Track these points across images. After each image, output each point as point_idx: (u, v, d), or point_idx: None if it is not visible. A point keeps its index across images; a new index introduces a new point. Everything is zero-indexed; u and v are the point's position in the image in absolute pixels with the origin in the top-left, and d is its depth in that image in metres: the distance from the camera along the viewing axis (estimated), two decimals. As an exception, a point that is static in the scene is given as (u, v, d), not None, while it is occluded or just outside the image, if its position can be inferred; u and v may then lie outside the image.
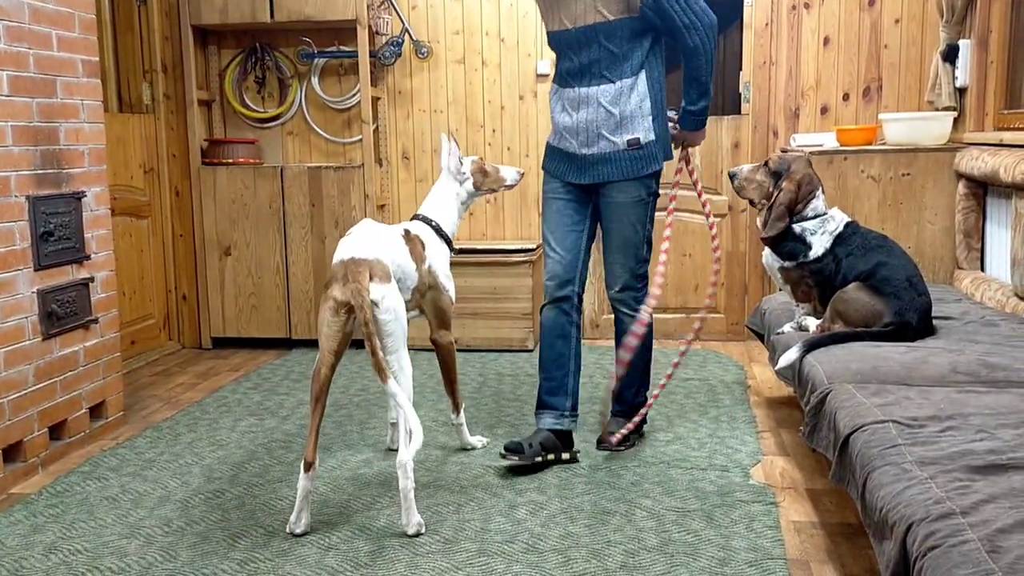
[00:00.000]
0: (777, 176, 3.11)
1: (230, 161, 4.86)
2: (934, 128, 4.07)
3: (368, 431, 3.46)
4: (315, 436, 2.55)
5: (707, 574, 2.26)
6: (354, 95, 4.94)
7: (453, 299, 3.04)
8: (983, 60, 3.96)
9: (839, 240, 3.05)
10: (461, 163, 3.06)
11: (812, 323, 3.07)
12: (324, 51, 4.93)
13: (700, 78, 2.85)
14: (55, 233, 3.14)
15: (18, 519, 2.68)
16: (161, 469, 3.08)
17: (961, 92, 4.16)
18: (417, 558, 2.37)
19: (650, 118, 2.90)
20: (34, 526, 2.62)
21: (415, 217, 3.05)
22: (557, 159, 3.05)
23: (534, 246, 4.73)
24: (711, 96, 2.91)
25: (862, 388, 2.36)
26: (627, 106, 2.86)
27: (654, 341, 3.23)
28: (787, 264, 3.12)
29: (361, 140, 4.85)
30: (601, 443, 3.09)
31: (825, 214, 3.07)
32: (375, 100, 4.91)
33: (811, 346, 2.77)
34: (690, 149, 3.10)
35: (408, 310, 2.79)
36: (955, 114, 4.14)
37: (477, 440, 3.20)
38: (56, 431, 3.18)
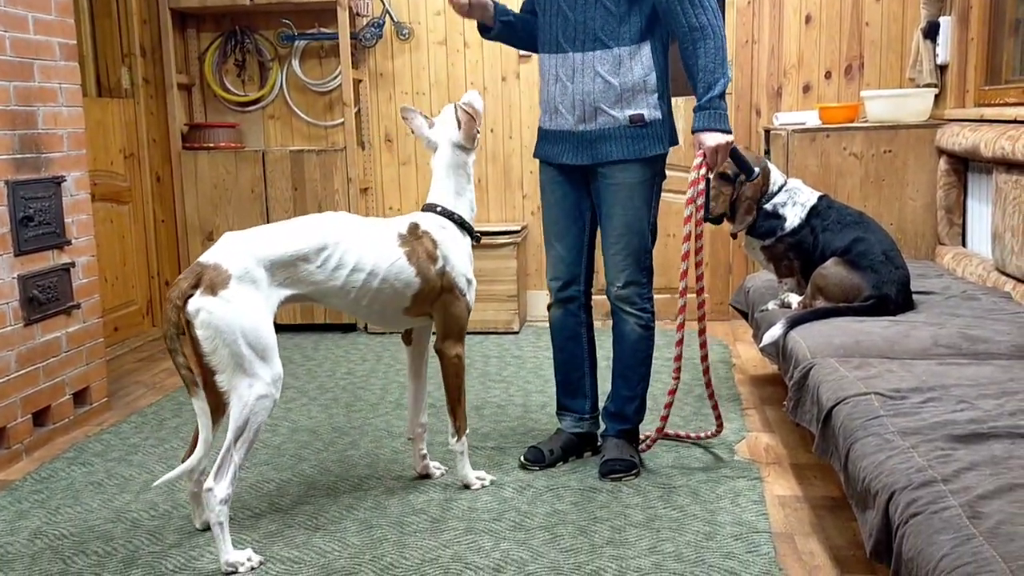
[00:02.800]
0: (735, 178, 3.09)
1: (211, 146, 4.83)
2: (915, 105, 4.09)
3: (354, 413, 3.45)
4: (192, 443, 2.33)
5: (693, 548, 2.27)
6: (335, 78, 4.90)
7: (471, 305, 2.64)
8: (964, 37, 3.97)
9: (814, 213, 3.07)
10: (477, 130, 2.65)
11: (794, 299, 3.08)
12: (304, 33, 4.89)
13: (709, 65, 2.47)
14: (35, 218, 3.11)
15: (3, 505, 2.67)
16: (146, 454, 3.07)
17: (942, 69, 4.18)
18: (405, 537, 2.38)
19: (655, 95, 2.59)
20: (19, 512, 2.61)
21: (428, 208, 2.61)
22: (551, 141, 2.72)
23: (518, 228, 4.72)
24: (725, 86, 2.50)
25: (845, 362, 2.38)
26: (628, 77, 2.55)
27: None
28: (767, 242, 3.14)
29: (343, 123, 4.82)
30: (608, 474, 2.73)
31: (785, 182, 3.10)
32: (357, 82, 4.88)
33: (794, 322, 2.78)
34: (707, 163, 2.56)
35: (410, 316, 2.57)
36: (936, 91, 4.16)
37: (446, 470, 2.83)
38: (40, 417, 3.16)
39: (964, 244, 3.90)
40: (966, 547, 1.33)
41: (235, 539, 2.38)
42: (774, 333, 2.81)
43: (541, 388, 3.70)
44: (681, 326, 2.73)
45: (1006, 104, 3.54)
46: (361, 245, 2.43)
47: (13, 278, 3.01)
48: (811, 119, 4.25)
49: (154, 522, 2.53)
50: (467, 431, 2.69)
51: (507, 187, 4.96)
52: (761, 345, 2.95)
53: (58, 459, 3.02)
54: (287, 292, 2.32)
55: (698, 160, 2.57)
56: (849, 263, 2.96)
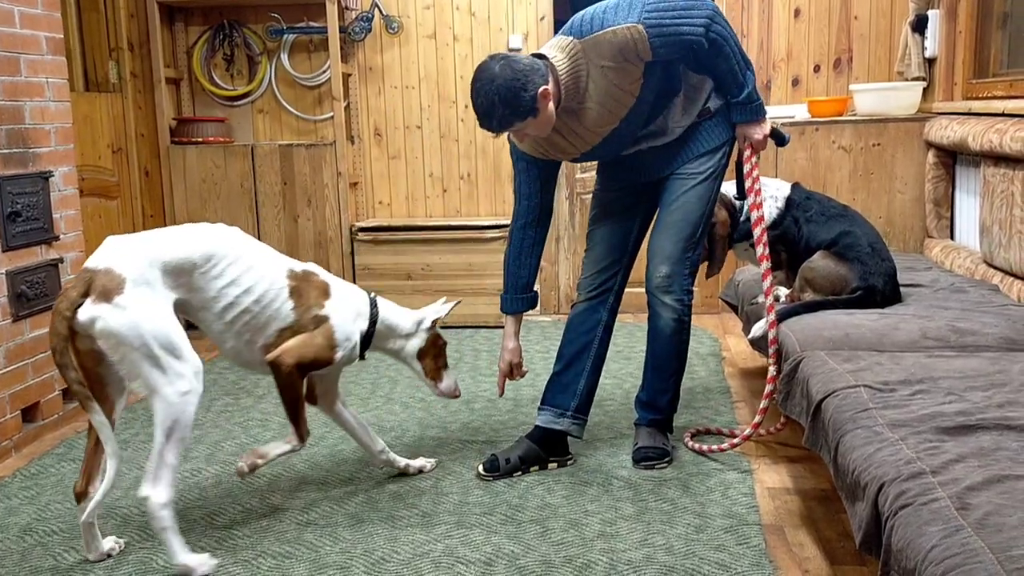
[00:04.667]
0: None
1: (200, 140, 4.81)
2: (904, 98, 4.10)
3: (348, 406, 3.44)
4: (86, 463, 2.27)
5: (683, 541, 2.28)
6: (324, 71, 4.89)
7: (335, 359, 2.47)
8: (952, 30, 3.98)
9: (792, 204, 3.07)
10: (431, 327, 2.67)
11: (783, 292, 3.09)
12: (293, 27, 4.87)
13: (734, 68, 2.51)
14: (22, 213, 3.09)
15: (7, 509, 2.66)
16: (137, 450, 3.06)
17: (930, 62, 4.19)
18: (396, 531, 2.38)
19: (712, 85, 2.60)
20: (8, 508, 2.60)
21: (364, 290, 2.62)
22: (622, 175, 2.76)
23: (509, 222, 4.71)
24: (754, 78, 2.59)
25: (834, 355, 2.39)
26: (684, 118, 2.62)
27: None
28: (752, 241, 3.14)
29: (332, 117, 4.81)
30: (640, 461, 2.75)
31: None
32: (346, 76, 4.86)
33: (784, 315, 2.79)
34: (754, 157, 2.67)
35: (262, 345, 2.39)
36: (924, 84, 4.17)
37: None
38: (29, 414, 3.15)
39: (952, 237, 3.92)
40: (955, 538, 1.34)
41: (225, 535, 2.38)
42: (764, 326, 2.81)
43: (531, 382, 3.70)
44: (771, 309, 2.70)
45: (994, 97, 3.55)
46: (247, 262, 2.33)
47: (1, 274, 2.99)
48: (800, 112, 4.26)
49: (144, 518, 2.51)
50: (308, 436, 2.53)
51: (496, 180, 4.96)
52: (751, 337, 2.95)
53: (47, 455, 3.01)
54: (174, 297, 2.21)
55: (747, 152, 2.67)
56: (836, 256, 2.97)
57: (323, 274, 2.53)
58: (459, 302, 2.77)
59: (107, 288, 2.07)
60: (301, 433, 2.48)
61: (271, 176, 4.73)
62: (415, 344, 2.66)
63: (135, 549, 2.33)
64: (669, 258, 2.66)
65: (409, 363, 2.69)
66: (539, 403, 2.83)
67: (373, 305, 2.58)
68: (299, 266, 2.48)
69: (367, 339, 2.57)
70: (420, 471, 2.77)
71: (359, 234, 4.70)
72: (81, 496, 2.24)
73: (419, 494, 2.62)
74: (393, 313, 2.63)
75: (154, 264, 2.15)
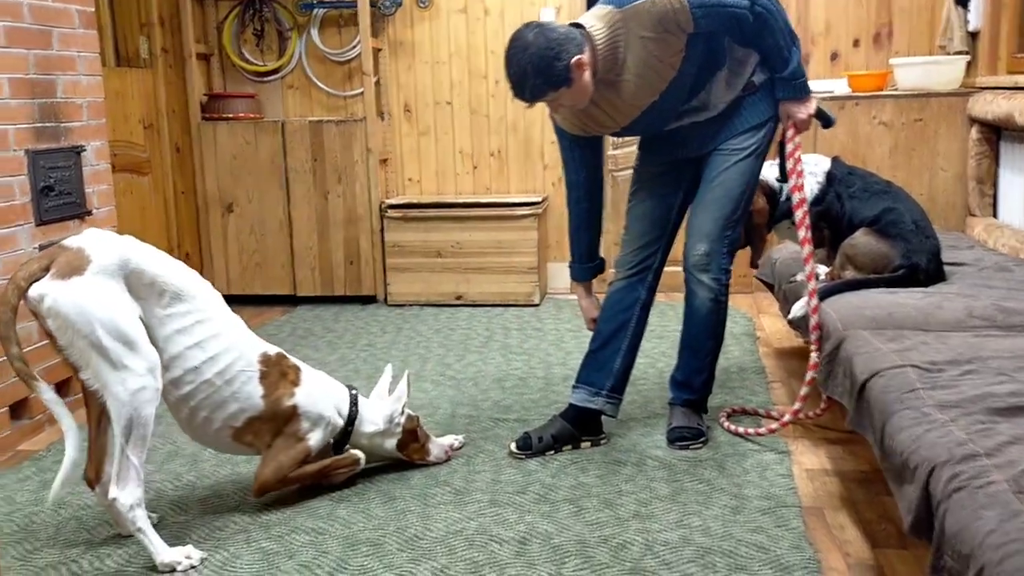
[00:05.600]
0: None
1: (230, 116, 4.79)
2: (946, 73, 3.99)
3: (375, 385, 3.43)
4: (91, 448, 2.22)
5: (720, 522, 2.24)
6: (354, 47, 4.85)
7: (312, 449, 2.37)
8: (996, 3, 3.87)
9: (833, 180, 3.00)
10: (402, 414, 2.54)
11: (822, 270, 3.02)
12: (323, 2, 4.83)
13: (780, 42, 2.43)
14: (55, 188, 3.09)
15: (27, 475, 2.67)
16: (170, 424, 3.04)
17: (973, 36, 4.08)
18: (428, 509, 2.36)
19: (753, 65, 2.52)
20: (43, 482, 2.61)
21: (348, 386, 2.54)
22: (664, 149, 2.70)
23: (539, 199, 4.67)
24: (799, 55, 2.49)
25: (878, 334, 2.33)
26: (728, 93, 2.54)
27: (656, 296, 2.84)
28: (794, 217, 3.07)
29: (362, 93, 4.77)
30: (675, 441, 2.71)
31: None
32: (376, 52, 4.82)
33: (824, 294, 2.73)
34: (797, 136, 2.59)
35: (236, 441, 2.32)
36: (967, 58, 4.06)
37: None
38: (62, 388, 3.16)
39: (995, 215, 3.83)
40: (1013, 523, 1.29)
41: (258, 511, 2.37)
42: (803, 306, 2.76)
43: (562, 360, 3.67)
44: (813, 294, 2.62)
45: (1042, 71, 3.45)
46: (216, 327, 2.22)
47: (34, 248, 2.99)
48: (839, 87, 4.16)
49: (178, 492, 2.52)
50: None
51: (527, 158, 4.91)
52: (790, 317, 2.90)
53: (82, 429, 3.01)
54: (138, 311, 2.09)
55: (790, 132, 2.59)
56: (878, 233, 2.89)
57: (293, 360, 2.44)
58: (408, 375, 2.63)
59: (69, 266, 1.99)
60: (344, 469, 2.47)
61: (301, 152, 4.71)
62: (392, 442, 2.55)
63: (168, 524, 2.33)
64: (708, 236, 2.61)
65: (391, 457, 2.58)
66: (573, 381, 2.79)
67: (354, 403, 2.48)
68: (272, 350, 2.39)
69: (343, 437, 2.47)
70: (450, 448, 2.75)
71: (389, 211, 4.68)
72: (92, 482, 2.22)
73: (451, 472, 2.59)
74: (369, 412, 2.52)
75: (127, 264, 2.05)
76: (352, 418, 2.47)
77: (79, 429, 2.07)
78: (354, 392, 2.52)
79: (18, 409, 2.95)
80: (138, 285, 2.09)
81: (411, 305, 4.71)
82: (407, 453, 2.59)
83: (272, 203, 4.76)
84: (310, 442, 2.38)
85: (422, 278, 4.68)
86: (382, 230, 4.70)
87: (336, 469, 2.45)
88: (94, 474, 2.21)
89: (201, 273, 4.98)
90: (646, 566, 2.05)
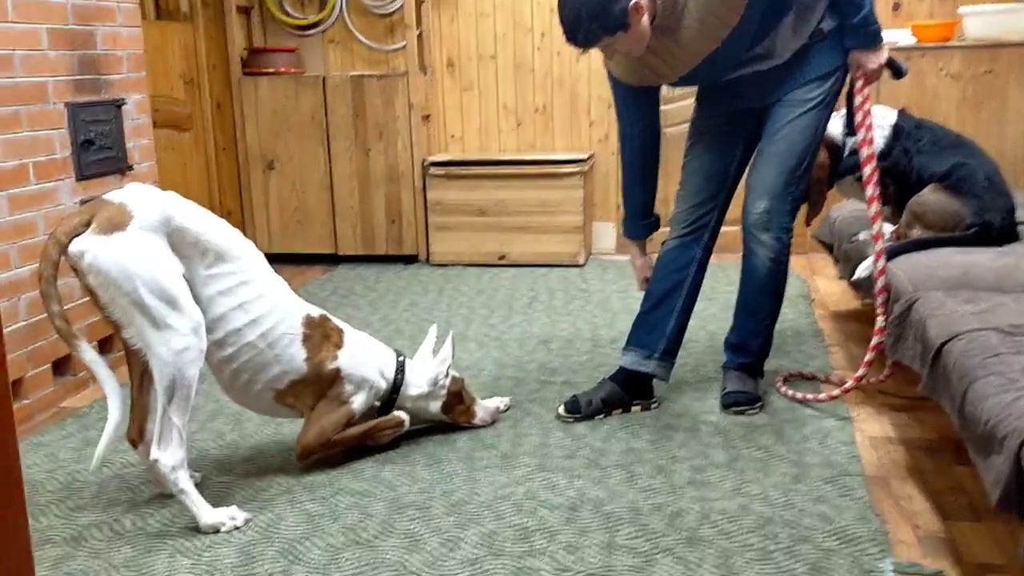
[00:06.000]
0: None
1: (271, 71, 4.71)
2: (1019, 22, 3.78)
3: (418, 345, 3.36)
4: (133, 408, 2.17)
5: (780, 491, 2.14)
6: (396, -1, 4.73)
7: (355, 412, 2.31)
8: (1077, -54, 3.64)
9: (900, 133, 2.84)
10: (446, 376, 2.47)
11: (888, 229, 2.88)
12: (365, -47, 4.71)
13: None
14: (96, 142, 3.03)
15: (70, 432, 2.64)
16: (213, 383, 3.00)
17: (1049, -18, 3.85)
18: (475, 473, 2.29)
19: (821, 10, 2.37)
20: (86, 439, 2.58)
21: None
22: (724, 99, 2.56)
23: (585, 156, 4.54)
24: (872, 1, 2.36)
25: (952, 296, 2.20)
26: (794, 40, 2.39)
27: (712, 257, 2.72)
28: (860, 173, 2.92)
29: (404, 47, 4.65)
30: (730, 406, 2.61)
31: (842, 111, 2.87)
32: (418, 4, 4.69)
33: (891, 254, 2.59)
34: (866, 87, 2.46)
35: (278, 403, 2.27)
36: (1042, 6, 3.84)
37: None
38: (105, 345, 3.13)
39: (1069, 173, 3.63)
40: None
41: (302, 472, 2.32)
42: (869, 265, 2.62)
43: (609, 322, 3.57)
44: (880, 253, 2.50)
45: None
46: (259, 289, 2.15)
47: (75, 203, 2.95)
48: (904, 38, 3.96)
49: (221, 452, 2.48)
50: None
51: (573, 113, 4.76)
52: (854, 278, 2.76)
53: (124, 386, 2.98)
54: (181, 270, 2.03)
55: (859, 83, 2.45)
56: (949, 189, 2.74)
57: (336, 322, 2.37)
58: (453, 336, 2.57)
59: (111, 222, 1.93)
60: (389, 431, 2.40)
61: (342, 108, 4.61)
62: (437, 405, 2.48)
63: (212, 484, 2.29)
64: (769, 192, 2.48)
65: (436, 419, 2.52)
66: (624, 343, 2.69)
67: (400, 370, 2.41)
68: (316, 312, 2.32)
69: (388, 403, 2.41)
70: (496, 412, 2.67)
71: (431, 168, 4.58)
72: (135, 442, 2.18)
73: (498, 435, 2.52)
74: (414, 376, 2.44)
75: (169, 222, 1.99)
76: (398, 385, 2.41)
77: (121, 390, 2.02)
78: (401, 359, 2.45)
79: (61, 366, 2.93)
80: (181, 243, 2.02)
81: (453, 265, 4.62)
82: (452, 416, 2.52)
83: (313, 160, 4.69)
84: (353, 405, 2.31)
85: (465, 237, 4.59)
86: (424, 188, 4.61)
87: (380, 431, 2.38)
88: (137, 433, 2.16)
89: (243, 232, 4.96)
90: (703, 535, 1.96)
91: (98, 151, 3.05)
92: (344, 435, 2.30)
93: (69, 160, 2.92)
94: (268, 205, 4.77)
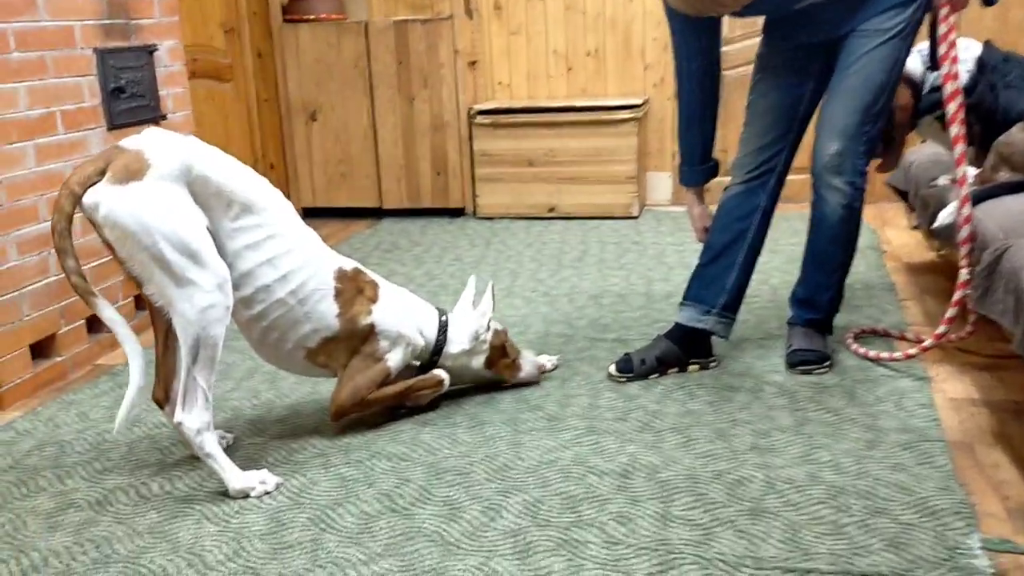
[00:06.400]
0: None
1: (312, 18, 4.55)
2: (1119, -54, 3.44)
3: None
4: (158, 368, 2.06)
5: (853, 458, 1.96)
6: (441, -60, 4.51)
7: (391, 370, 2.18)
8: None
9: (985, 67, 2.59)
10: (487, 329, 2.33)
11: (971, 172, 2.63)
12: None
13: None
14: (127, 90, 2.92)
15: (103, 390, 2.56)
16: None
17: None
18: (519, 436, 2.14)
19: None
20: (119, 398, 2.48)
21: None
22: (793, 30, 2.34)
23: (639, 101, 4.31)
24: None
25: (1049, 243, 1.97)
26: None
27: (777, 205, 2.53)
28: (941, 112, 2.67)
29: (449, -10, 4.45)
30: (796, 365, 2.42)
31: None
32: (464, -56, 4.48)
33: (977, 199, 2.36)
34: (953, 16, 2.22)
35: (310, 362, 2.14)
36: None
37: None
38: (141, 301, 3.05)
39: None
40: None
41: (338, 433, 2.20)
42: (952, 211, 2.39)
43: (664, 276, 3.39)
44: (966, 199, 2.27)
45: None
46: (288, 243, 2.01)
47: (106, 154, 2.84)
48: (987, -34, 3.64)
49: (255, 412, 2.38)
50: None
51: (627, 57, 4.52)
52: (935, 226, 2.53)
53: (148, 351, 2.90)
54: (205, 221, 1.89)
55: (944, 11, 2.21)
56: (1042, 128, 2.49)
57: (371, 275, 2.23)
58: (492, 286, 2.39)
59: (127, 170, 1.78)
60: (428, 391, 2.26)
61: (385, 55, 4.44)
62: (479, 360, 2.34)
63: (244, 445, 2.18)
64: (843, 132, 2.26)
65: (480, 376, 2.38)
66: (681, 298, 2.51)
67: (443, 330, 2.27)
68: (349, 265, 2.18)
69: (430, 364, 2.28)
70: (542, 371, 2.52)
71: (477, 117, 4.40)
72: (161, 403, 2.07)
73: (544, 396, 2.37)
74: (455, 333, 2.30)
75: (190, 171, 1.84)
76: (440, 346, 2.27)
77: (145, 351, 1.90)
78: (444, 318, 2.30)
79: (96, 323, 2.85)
80: (204, 193, 1.88)
81: (501, 218, 4.46)
82: (496, 370, 2.37)
83: (356, 110, 4.54)
84: (389, 363, 2.18)
85: (513, 189, 4.42)
86: (470, 138, 4.43)
87: (418, 391, 2.25)
88: (162, 394, 2.06)
89: (286, 186, 4.86)
90: (768, 506, 1.79)
91: (129, 99, 2.93)
92: (379, 394, 2.17)
93: (99, 108, 2.81)
94: (311, 157, 4.64)
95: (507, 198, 4.43)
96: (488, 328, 2.33)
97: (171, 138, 1.88)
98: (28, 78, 2.54)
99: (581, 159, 4.32)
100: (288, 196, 4.69)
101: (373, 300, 2.17)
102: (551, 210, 4.41)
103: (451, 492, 1.90)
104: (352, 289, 2.15)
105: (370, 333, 2.15)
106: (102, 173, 1.80)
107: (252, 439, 2.21)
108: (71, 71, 2.70)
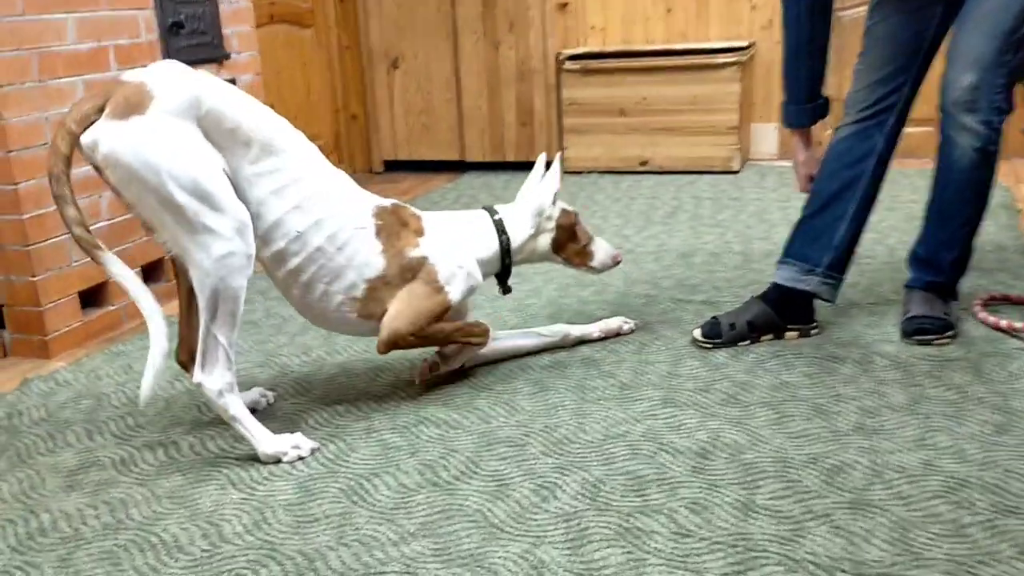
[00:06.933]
0: None
1: (395, -40, 4.33)
2: None
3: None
4: (181, 328, 1.87)
5: (978, 444, 1.64)
6: None
7: (451, 302, 1.94)
8: None
9: None
10: (554, 206, 2.10)
11: None
12: None
13: None
14: (186, 25, 2.76)
15: (147, 345, 2.43)
16: (309, 293, 2.75)
17: None
18: (586, 405, 1.90)
19: None
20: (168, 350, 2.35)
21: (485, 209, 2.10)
22: None
23: (744, 44, 3.94)
24: None
25: None
26: None
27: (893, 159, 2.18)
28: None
29: (539, -74, 4.16)
30: (913, 334, 2.10)
31: None
32: None
33: None
34: None
35: (362, 318, 1.91)
36: None
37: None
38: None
39: None
40: None
41: (386, 392, 2.00)
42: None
43: (765, 234, 3.06)
44: None
45: None
46: (317, 186, 1.79)
47: (164, 94, 2.70)
48: None
49: (303, 369, 2.20)
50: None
51: (731, -3, 4.15)
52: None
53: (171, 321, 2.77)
54: (221, 163, 1.69)
55: None
56: None
57: (413, 209, 2.00)
58: (563, 153, 2.13)
59: (128, 104, 1.59)
60: (475, 339, 2.03)
61: (470, -1, 4.20)
62: (545, 241, 2.11)
63: (285, 404, 2.01)
64: (977, 62, 1.91)
65: (547, 260, 2.16)
66: (780, 256, 2.20)
67: (502, 230, 2.04)
68: (387, 201, 1.96)
69: (504, 272, 2.08)
70: (616, 333, 2.26)
71: (567, 63, 4.11)
72: (187, 365, 1.88)
73: (618, 361, 2.11)
74: (517, 226, 2.07)
75: (200, 105, 1.64)
76: (507, 249, 2.04)
77: (164, 315, 1.71)
78: (497, 216, 2.06)
79: (154, 271, 2.73)
80: (217, 131, 1.68)
81: (589, 172, 4.18)
82: (566, 256, 2.14)
83: (439, 57, 4.31)
84: (450, 294, 1.94)
85: (603, 141, 4.13)
86: (558, 86, 4.16)
87: (468, 336, 2.01)
88: (187, 355, 1.88)
89: (367, 139, 4.69)
90: (873, 498, 1.50)
91: (189, 36, 2.78)
92: (437, 328, 1.94)
93: (156, 44, 2.67)
94: (393, 108, 4.45)
95: (596, 150, 4.15)
96: (554, 204, 2.09)
97: (179, 70, 1.68)
98: (78, 8, 2.40)
99: (678, 108, 4.00)
100: (369, 150, 4.54)
101: (419, 232, 1.94)
102: (643, 163, 4.11)
103: (501, 466, 1.68)
104: (395, 223, 1.93)
105: (422, 265, 1.92)
106: (101, 110, 1.61)
107: (295, 398, 2.04)
108: (126, 4, 2.56)
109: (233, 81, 2.96)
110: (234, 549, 1.48)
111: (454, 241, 1.98)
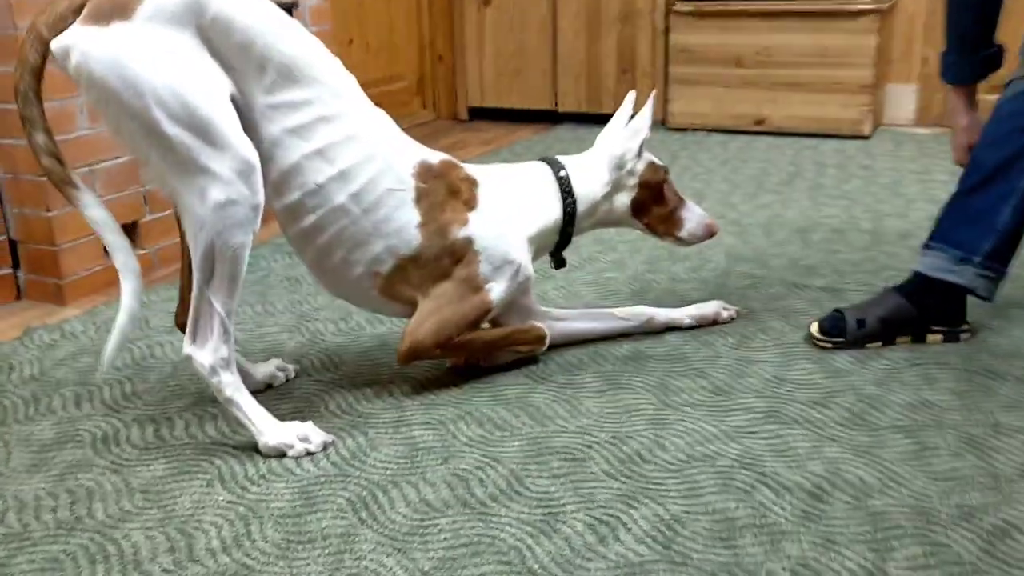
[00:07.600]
0: None
1: None
2: None
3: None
4: (182, 289, 1.56)
5: None
6: None
7: (492, 304, 1.59)
8: None
9: None
10: (640, 154, 1.70)
11: None
12: None
13: None
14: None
15: (173, 296, 2.14)
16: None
17: None
18: (667, 412, 1.51)
19: None
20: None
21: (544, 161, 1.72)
22: None
23: (886, -11, 3.41)
24: None
25: None
26: None
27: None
28: None
29: None
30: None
31: None
32: None
33: None
34: None
35: (384, 296, 1.57)
36: None
37: None
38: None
39: None
40: None
41: (423, 384, 1.66)
42: None
43: (901, 211, 2.59)
44: None
45: None
46: (351, 128, 1.45)
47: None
48: None
49: (336, 339, 1.88)
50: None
51: (875, -64, 3.60)
52: None
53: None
54: (229, 88, 1.36)
55: None
56: None
57: (468, 170, 1.62)
58: (655, 96, 1.71)
59: (113, 4, 1.28)
60: (526, 346, 1.67)
61: (574, -71, 3.77)
62: (624, 200, 1.72)
63: (305, 381, 1.69)
64: None
65: (623, 225, 1.77)
66: (926, 239, 1.75)
67: (567, 191, 1.66)
68: (435, 158, 1.59)
69: (564, 240, 1.70)
70: (712, 322, 1.86)
71: (677, 4, 3.67)
72: (184, 326, 1.56)
73: (712, 358, 1.72)
74: (588, 182, 1.68)
75: (201, 7, 1.31)
76: (571, 215, 1.66)
77: (140, 274, 1.41)
78: (563, 173, 1.67)
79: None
80: (225, 46, 1.34)
81: (696, 130, 3.73)
82: (648, 221, 1.75)
83: (535, -4, 3.92)
84: (491, 294, 1.58)
85: (714, 95, 3.66)
86: (666, 30, 3.71)
87: (517, 343, 1.65)
88: (186, 317, 1.56)
89: (452, 82, 4.33)
90: (1055, 587, 1.08)
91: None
92: (471, 338, 1.59)
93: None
94: (482, 49, 4.08)
95: (705, 105, 3.69)
96: (639, 155, 1.70)
97: None
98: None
99: (803, 61, 3.51)
100: (455, 95, 4.17)
101: (470, 205, 1.58)
102: (759, 123, 3.63)
103: (551, 486, 1.32)
104: (441, 189, 1.56)
105: (466, 251, 1.56)
106: (78, 12, 1.29)
107: (319, 375, 1.71)
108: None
109: (295, 4, 2.63)
110: (201, 573, 1.16)
111: (508, 216, 1.60)
